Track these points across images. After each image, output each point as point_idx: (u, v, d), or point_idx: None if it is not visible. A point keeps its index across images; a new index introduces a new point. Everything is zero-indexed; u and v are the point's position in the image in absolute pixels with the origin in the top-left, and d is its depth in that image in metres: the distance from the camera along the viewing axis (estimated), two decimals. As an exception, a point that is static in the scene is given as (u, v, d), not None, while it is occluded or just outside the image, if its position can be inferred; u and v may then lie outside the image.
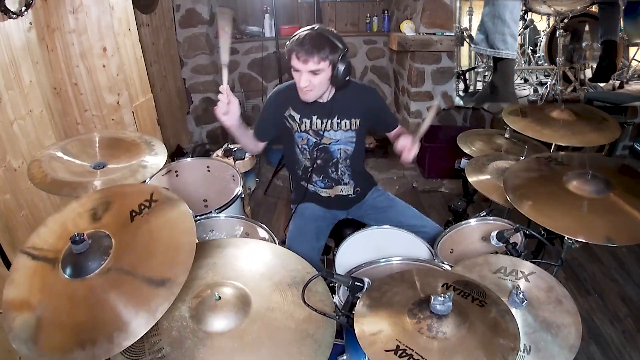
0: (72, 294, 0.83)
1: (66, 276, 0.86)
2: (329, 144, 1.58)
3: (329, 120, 1.55)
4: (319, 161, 1.61)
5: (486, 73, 3.47)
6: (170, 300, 0.79)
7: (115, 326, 0.77)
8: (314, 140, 1.57)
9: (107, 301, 0.81)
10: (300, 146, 1.60)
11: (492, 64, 2.96)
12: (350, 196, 1.68)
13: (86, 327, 0.78)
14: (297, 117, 1.55)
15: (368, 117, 1.59)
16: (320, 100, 1.52)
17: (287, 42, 1.42)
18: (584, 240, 1.12)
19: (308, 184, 1.66)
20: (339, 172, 1.64)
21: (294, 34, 1.41)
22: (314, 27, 1.40)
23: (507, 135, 1.95)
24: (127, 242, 0.91)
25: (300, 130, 1.57)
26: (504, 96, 2.88)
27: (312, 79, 1.39)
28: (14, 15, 1.62)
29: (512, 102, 2.87)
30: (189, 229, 0.92)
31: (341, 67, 1.40)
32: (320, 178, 1.65)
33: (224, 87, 1.36)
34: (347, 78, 1.43)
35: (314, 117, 1.54)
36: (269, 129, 1.62)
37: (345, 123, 1.56)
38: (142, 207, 0.98)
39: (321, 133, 1.56)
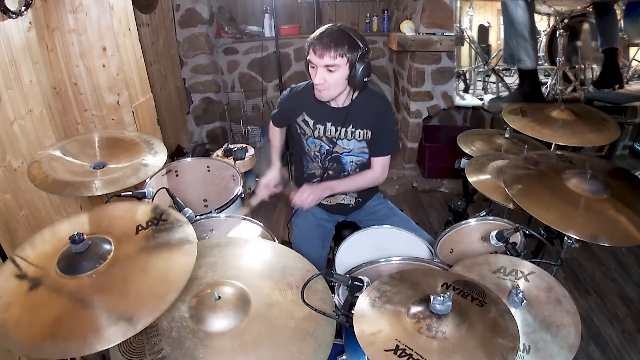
0: (59, 288, 0.84)
1: (58, 270, 0.87)
2: (342, 153, 1.55)
3: (344, 128, 1.51)
4: (331, 172, 1.59)
5: (486, 74, 3.47)
6: (155, 317, 0.78)
7: (92, 328, 0.76)
8: (327, 147, 1.54)
9: (91, 303, 0.81)
10: (312, 153, 1.57)
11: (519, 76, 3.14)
12: (350, 205, 1.67)
13: (63, 321, 0.78)
14: (310, 122, 1.52)
15: (374, 131, 1.51)
16: (336, 105, 1.48)
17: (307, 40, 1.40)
18: (573, 236, 1.13)
19: None
20: None
21: (316, 30, 1.39)
22: (336, 24, 1.37)
23: (507, 135, 1.95)
24: (126, 253, 0.92)
25: (314, 137, 1.53)
26: (534, 99, 3.06)
27: (327, 76, 1.35)
28: (14, 15, 1.62)
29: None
30: (190, 251, 0.93)
31: (359, 67, 1.35)
32: None
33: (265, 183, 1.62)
34: (366, 80, 1.39)
35: (329, 124, 1.51)
36: (284, 120, 1.67)
37: (360, 133, 1.52)
38: (149, 223, 1.00)
39: (334, 141, 1.53)
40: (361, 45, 1.34)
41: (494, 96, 3.32)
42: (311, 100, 1.50)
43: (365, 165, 1.60)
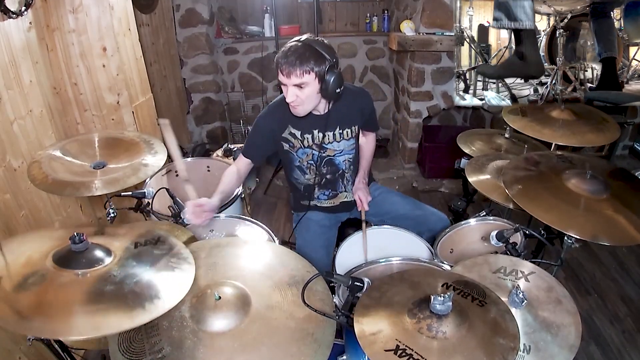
0: (52, 276, 0.84)
1: (53, 262, 0.87)
2: (334, 155, 1.56)
3: (331, 132, 1.51)
4: (328, 176, 1.59)
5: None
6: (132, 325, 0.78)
7: (67, 321, 0.76)
8: (318, 154, 1.54)
9: (81, 300, 0.81)
10: (305, 164, 1.56)
11: (514, 39, 3.01)
12: (353, 201, 1.67)
13: (53, 306, 0.78)
14: (298, 134, 1.50)
15: (362, 121, 1.59)
16: (318, 113, 1.47)
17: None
18: (573, 236, 1.13)
19: (310, 202, 1.65)
20: (345, 182, 1.63)
21: (283, 47, 1.34)
22: (301, 39, 1.33)
23: (507, 135, 1.95)
24: (123, 263, 0.91)
25: (304, 147, 1.52)
26: (534, 64, 2.91)
27: (299, 93, 1.33)
28: (14, 15, 1.62)
29: (540, 72, 2.94)
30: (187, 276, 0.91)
31: (330, 79, 1.32)
32: (323, 192, 1.64)
33: (193, 202, 1.31)
34: (338, 90, 1.36)
35: (315, 131, 1.50)
36: (262, 150, 1.56)
37: (347, 132, 1.54)
38: (147, 242, 1.00)
39: (324, 146, 1.53)
40: (328, 57, 1.31)
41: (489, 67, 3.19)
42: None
43: (356, 160, 1.64)
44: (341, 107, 1.48)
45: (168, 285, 0.87)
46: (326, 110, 1.48)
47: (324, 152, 1.54)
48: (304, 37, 1.34)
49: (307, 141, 1.51)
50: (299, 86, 1.32)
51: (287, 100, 1.36)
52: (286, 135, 1.51)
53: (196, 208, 1.31)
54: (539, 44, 3.29)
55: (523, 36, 2.83)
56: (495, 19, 2.89)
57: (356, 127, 1.56)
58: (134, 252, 0.95)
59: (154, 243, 0.99)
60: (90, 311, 0.78)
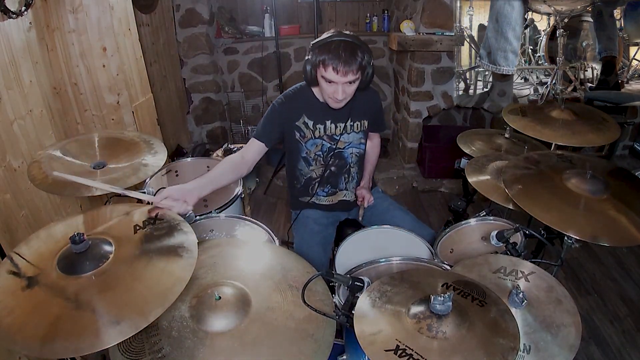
0: (62, 288, 0.84)
1: (59, 270, 0.87)
2: (343, 148, 1.57)
3: (343, 124, 1.52)
4: (333, 168, 1.59)
5: (486, 73, 3.47)
6: (156, 316, 0.78)
7: (92, 328, 0.76)
8: (329, 145, 1.54)
9: (91, 303, 0.81)
10: (312, 155, 1.56)
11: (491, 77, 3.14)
12: (352, 200, 1.68)
13: (65, 321, 0.77)
14: (310, 123, 1.50)
15: (371, 118, 1.60)
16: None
17: (312, 51, 1.33)
18: (573, 236, 1.13)
19: (309, 199, 1.64)
20: (350, 178, 1.63)
21: (319, 41, 1.33)
22: (336, 36, 1.32)
23: (507, 135, 1.94)
24: (127, 254, 0.92)
25: (315, 137, 1.52)
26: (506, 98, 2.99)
27: (347, 89, 1.35)
28: (14, 15, 1.62)
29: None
30: (190, 253, 0.93)
31: (370, 71, 1.37)
32: (322, 188, 1.63)
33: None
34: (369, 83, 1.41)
35: (328, 122, 1.51)
36: (275, 134, 1.52)
37: (357, 125, 1.55)
38: (146, 223, 1.01)
39: (336, 137, 1.53)
40: (367, 49, 1.34)
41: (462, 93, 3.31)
42: (309, 102, 1.49)
43: (362, 156, 1.64)
44: (355, 100, 1.48)
45: (174, 267, 0.89)
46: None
47: (334, 144, 1.55)
48: (336, 33, 1.33)
49: (319, 132, 1.52)
50: (351, 83, 1.34)
51: (339, 98, 1.35)
52: (299, 123, 1.51)
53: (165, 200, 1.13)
54: (539, 47, 3.30)
55: (497, 82, 2.94)
56: (479, 56, 2.90)
57: (366, 122, 1.57)
58: (136, 239, 0.97)
59: (153, 222, 1.02)
60: (112, 316, 0.78)
